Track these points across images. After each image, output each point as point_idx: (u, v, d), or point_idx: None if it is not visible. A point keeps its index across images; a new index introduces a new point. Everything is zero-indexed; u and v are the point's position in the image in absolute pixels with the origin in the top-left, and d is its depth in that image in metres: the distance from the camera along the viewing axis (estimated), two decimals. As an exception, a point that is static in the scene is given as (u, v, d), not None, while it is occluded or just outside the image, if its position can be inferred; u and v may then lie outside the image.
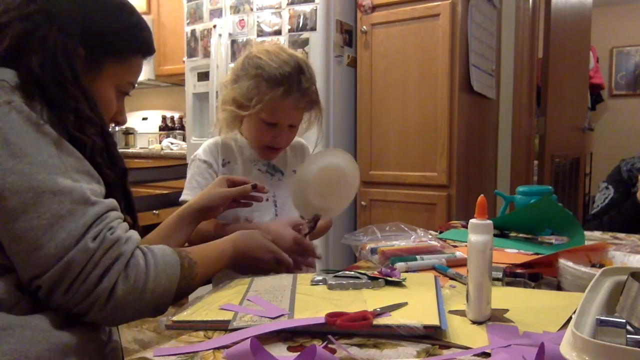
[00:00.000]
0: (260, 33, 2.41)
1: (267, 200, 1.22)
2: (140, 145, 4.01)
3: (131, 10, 0.86)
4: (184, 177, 1.28)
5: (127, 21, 0.84)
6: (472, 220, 0.68)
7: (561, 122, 3.05)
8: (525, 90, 2.66)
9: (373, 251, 1.05)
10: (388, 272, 0.83)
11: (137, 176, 1.55)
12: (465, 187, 2.27)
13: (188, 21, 2.74)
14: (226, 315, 0.69)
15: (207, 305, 0.74)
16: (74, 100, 0.73)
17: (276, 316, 0.67)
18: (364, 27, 2.34)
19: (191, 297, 0.81)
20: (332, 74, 2.30)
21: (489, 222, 0.68)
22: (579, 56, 3.37)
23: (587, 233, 1.26)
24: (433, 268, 0.97)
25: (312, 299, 0.75)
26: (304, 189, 1.10)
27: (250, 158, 1.27)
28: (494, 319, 0.68)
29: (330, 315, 0.64)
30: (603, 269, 0.70)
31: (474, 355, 0.58)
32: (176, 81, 3.53)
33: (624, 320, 0.52)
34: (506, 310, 0.71)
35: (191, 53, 2.74)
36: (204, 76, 2.66)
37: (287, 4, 2.33)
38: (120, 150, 0.83)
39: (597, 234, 1.40)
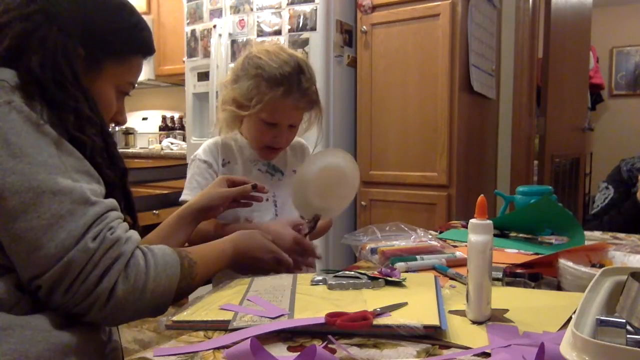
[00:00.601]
0: (260, 33, 2.41)
1: (267, 200, 1.22)
2: (140, 145, 4.01)
3: (131, 10, 0.86)
4: (184, 177, 1.28)
5: (127, 21, 0.84)
6: (472, 220, 0.68)
7: (561, 122, 3.05)
8: (525, 90, 2.66)
9: (373, 251, 1.05)
10: (388, 272, 0.83)
11: (137, 176, 1.55)
12: (465, 187, 2.27)
13: (188, 21, 2.73)
14: (226, 315, 0.69)
15: (207, 305, 0.74)
16: (74, 100, 0.73)
17: (276, 316, 0.67)
18: (364, 27, 2.34)
19: (191, 297, 0.81)
20: (332, 74, 2.30)
21: (489, 222, 0.68)
22: (579, 56, 3.37)
23: (587, 233, 1.26)
24: (433, 268, 0.97)
25: (312, 299, 0.75)
26: (304, 189, 1.10)
27: (250, 158, 1.27)
28: (494, 319, 0.68)
29: (330, 315, 0.64)
30: (603, 269, 0.70)
31: (474, 355, 0.58)
32: (176, 81, 3.53)
33: (624, 320, 0.52)
34: (506, 310, 0.71)
35: (191, 53, 2.74)
36: (204, 76, 2.66)
37: (287, 4, 2.33)
38: (120, 150, 0.83)
39: (597, 234, 1.40)
